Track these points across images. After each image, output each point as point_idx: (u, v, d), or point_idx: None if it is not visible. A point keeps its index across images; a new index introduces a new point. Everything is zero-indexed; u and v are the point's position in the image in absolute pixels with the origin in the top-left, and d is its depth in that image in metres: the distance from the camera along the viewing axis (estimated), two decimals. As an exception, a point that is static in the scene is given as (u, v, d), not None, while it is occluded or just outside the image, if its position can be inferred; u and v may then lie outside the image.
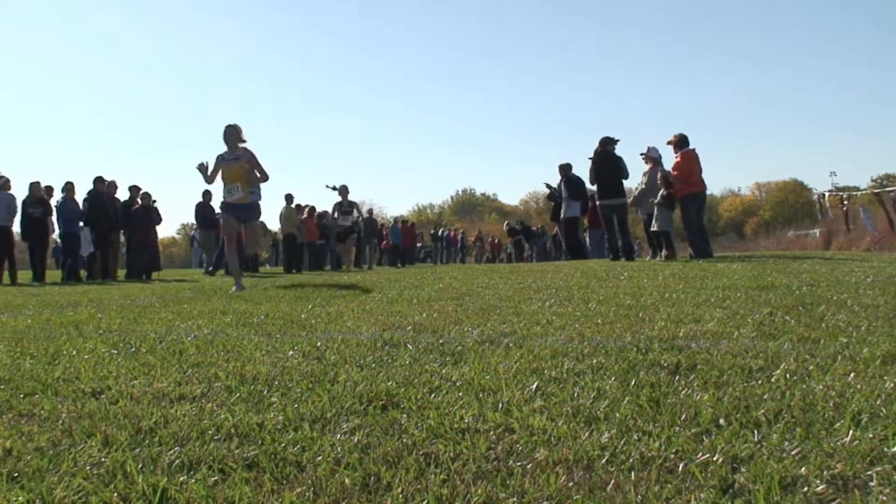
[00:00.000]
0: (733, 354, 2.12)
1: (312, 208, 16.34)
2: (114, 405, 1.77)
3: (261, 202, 7.05)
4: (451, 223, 49.71)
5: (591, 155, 10.02)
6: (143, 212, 12.39)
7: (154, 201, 12.84)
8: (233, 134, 6.87)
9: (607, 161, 9.90)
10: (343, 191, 13.34)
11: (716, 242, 25.18)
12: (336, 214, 13.89)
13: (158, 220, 12.79)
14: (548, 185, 13.72)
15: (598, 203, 10.25)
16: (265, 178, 6.88)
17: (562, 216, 12.63)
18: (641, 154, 9.95)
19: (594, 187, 10.45)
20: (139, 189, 12.71)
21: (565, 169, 12.31)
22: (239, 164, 6.71)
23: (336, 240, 14.37)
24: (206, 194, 13.72)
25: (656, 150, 9.98)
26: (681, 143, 9.37)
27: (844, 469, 1.15)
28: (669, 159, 9.64)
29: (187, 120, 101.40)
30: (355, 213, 13.60)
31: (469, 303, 4.21)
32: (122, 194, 12.70)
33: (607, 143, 9.97)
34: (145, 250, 12.40)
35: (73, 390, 1.96)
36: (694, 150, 9.34)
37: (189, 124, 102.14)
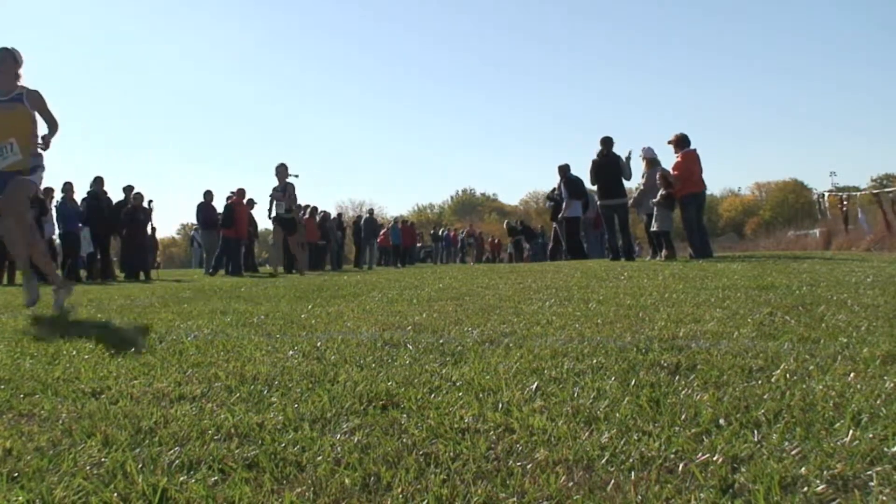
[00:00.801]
0: (733, 354, 2.12)
1: (314, 209, 16.38)
2: (114, 405, 1.77)
3: (43, 170, 4.65)
4: (451, 223, 49.71)
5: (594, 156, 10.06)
6: (132, 212, 12.42)
7: (150, 201, 12.86)
8: (6, 62, 4.45)
9: (607, 161, 9.91)
10: (279, 172, 10.51)
11: (716, 242, 25.16)
12: (272, 202, 10.94)
13: (145, 219, 12.77)
14: (549, 195, 13.75)
15: (598, 203, 10.26)
16: (55, 126, 4.59)
17: (561, 216, 12.64)
18: (639, 155, 10.00)
19: (594, 187, 10.49)
20: (132, 189, 12.73)
21: (564, 170, 12.33)
22: (17, 111, 4.43)
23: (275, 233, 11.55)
24: (208, 194, 13.73)
25: (651, 151, 10.00)
26: (681, 142, 9.38)
27: (844, 469, 1.15)
28: (670, 159, 9.67)
29: (187, 120, 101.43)
30: (289, 198, 10.69)
31: (469, 303, 4.21)
32: (114, 193, 12.78)
33: (608, 144, 9.98)
34: (136, 250, 12.42)
35: (73, 390, 1.96)
36: (694, 150, 9.35)
37: (189, 124, 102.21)
